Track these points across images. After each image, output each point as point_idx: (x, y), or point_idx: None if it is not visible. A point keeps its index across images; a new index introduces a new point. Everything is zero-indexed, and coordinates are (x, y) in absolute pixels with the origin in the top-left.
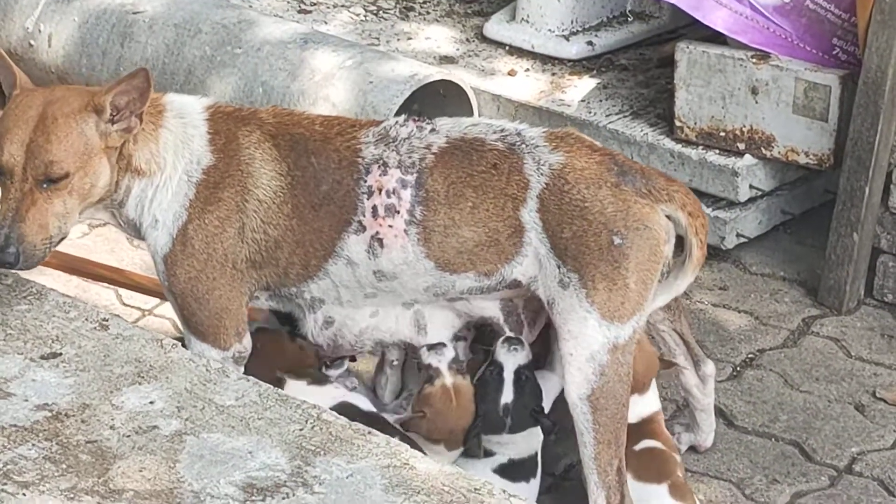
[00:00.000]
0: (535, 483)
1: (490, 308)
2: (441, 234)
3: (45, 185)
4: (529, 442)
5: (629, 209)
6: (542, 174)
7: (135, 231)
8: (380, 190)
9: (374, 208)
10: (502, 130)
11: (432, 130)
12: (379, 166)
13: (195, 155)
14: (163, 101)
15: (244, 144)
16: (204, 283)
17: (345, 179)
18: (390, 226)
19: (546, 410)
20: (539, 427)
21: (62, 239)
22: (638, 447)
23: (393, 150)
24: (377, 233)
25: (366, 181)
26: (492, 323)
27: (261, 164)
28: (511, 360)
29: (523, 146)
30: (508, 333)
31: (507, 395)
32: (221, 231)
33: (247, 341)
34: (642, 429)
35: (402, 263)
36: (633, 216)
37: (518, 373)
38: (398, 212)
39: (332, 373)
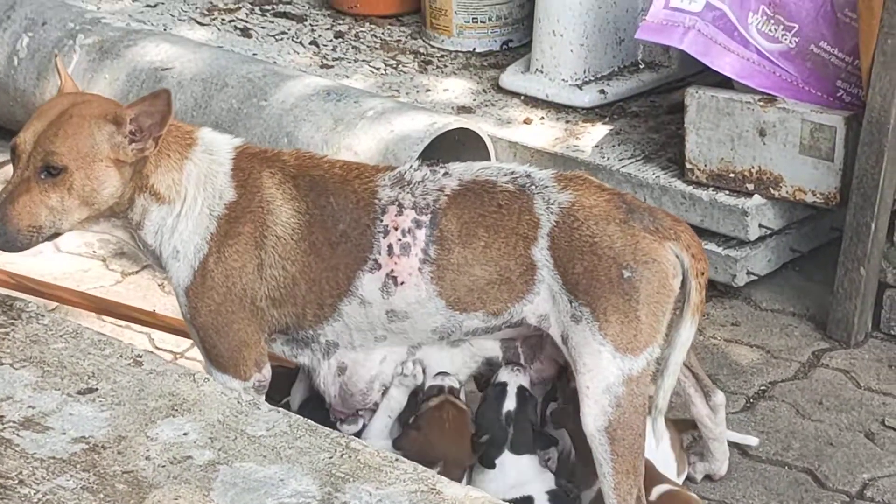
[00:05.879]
0: None
1: (491, 347)
2: (454, 272)
3: (43, 176)
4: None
5: (637, 244)
6: (551, 213)
7: (154, 259)
8: (395, 229)
9: (390, 247)
10: (512, 173)
11: (445, 174)
12: (395, 207)
13: (218, 190)
14: (196, 136)
15: (267, 184)
16: (224, 315)
17: (362, 218)
18: (405, 264)
19: None
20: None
21: (55, 235)
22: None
23: (408, 193)
24: (392, 271)
25: (382, 220)
26: (492, 363)
27: (281, 203)
28: (513, 378)
29: (533, 187)
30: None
31: (510, 404)
32: (241, 266)
33: (266, 371)
34: None
35: (414, 302)
36: (642, 250)
37: (521, 389)
38: (413, 250)
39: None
